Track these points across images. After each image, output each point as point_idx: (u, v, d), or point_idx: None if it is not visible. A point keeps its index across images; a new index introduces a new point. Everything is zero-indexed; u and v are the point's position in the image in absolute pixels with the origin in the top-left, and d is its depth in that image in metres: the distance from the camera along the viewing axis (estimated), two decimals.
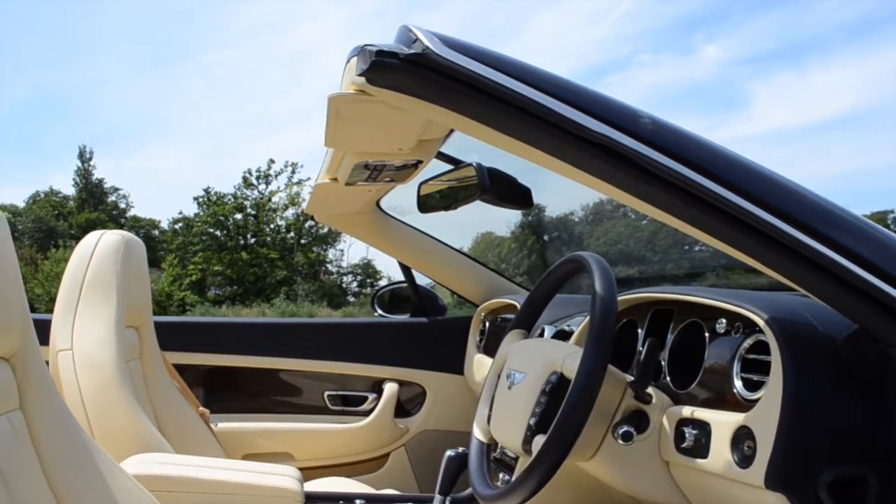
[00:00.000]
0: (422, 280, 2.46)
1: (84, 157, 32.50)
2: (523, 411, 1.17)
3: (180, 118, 46.52)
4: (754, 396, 1.01)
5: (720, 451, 1.02)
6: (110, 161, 47.17)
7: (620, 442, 1.12)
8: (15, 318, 1.08)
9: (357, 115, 1.11)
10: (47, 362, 1.37)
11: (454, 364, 2.34)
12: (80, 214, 31.26)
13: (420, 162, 1.47)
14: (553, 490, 1.09)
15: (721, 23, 43.18)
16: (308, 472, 1.60)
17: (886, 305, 0.80)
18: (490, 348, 2.20)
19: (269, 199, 28.66)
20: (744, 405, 1.02)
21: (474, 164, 1.51)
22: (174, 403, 1.88)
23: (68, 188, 34.08)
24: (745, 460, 0.97)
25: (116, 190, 33.58)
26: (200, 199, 28.60)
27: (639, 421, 1.15)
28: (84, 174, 32.43)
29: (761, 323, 0.99)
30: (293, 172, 28.45)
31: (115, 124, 45.53)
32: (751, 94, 43.98)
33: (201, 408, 1.99)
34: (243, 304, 26.11)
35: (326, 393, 2.31)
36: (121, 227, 28.96)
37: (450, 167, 1.73)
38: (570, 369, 1.12)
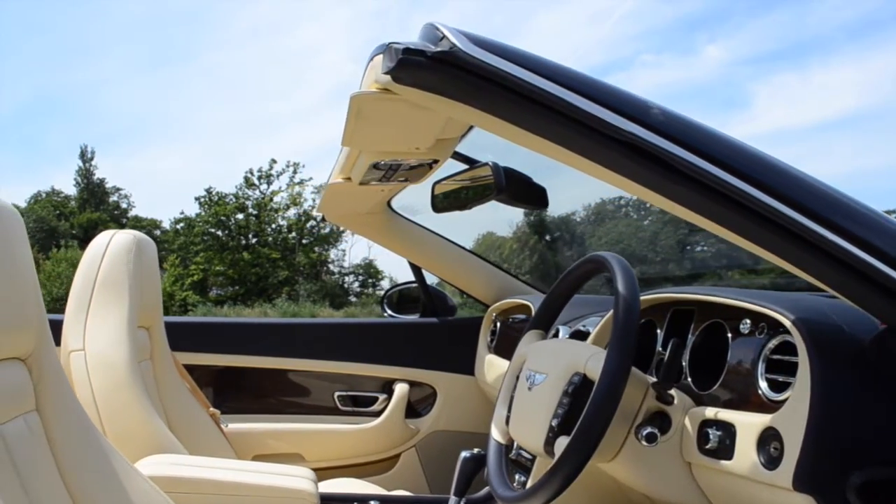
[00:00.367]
0: (428, 280, 2.46)
1: (85, 156, 32.57)
2: (545, 412, 1.16)
3: (182, 118, 46.57)
4: (780, 397, 1.00)
5: (746, 452, 1.01)
6: (112, 161, 47.34)
7: (644, 443, 1.11)
8: (31, 318, 1.07)
9: (378, 114, 1.10)
10: None
11: (464, 364, 2.33)
12: (82, 214, 31.30)
13: (436, 161, 1.46)
14: (569, 491, 1.09)
15: (723, 23, 43.19)
16: (318, 473, 1.60)
17: None
18: (501, 349, 2.19)
19: (271, 199, 28.71)
20: (769, 406, 1.01)
21: (490, 163, 1.50)
22: (185, 404, 1.87)
23: (70, 188, 34.13)
24: (771, 462, 0.97)
25: (118, 190, 33.64)
26: (202, 199, 28.68)
27: (660, 422, 1.14)
28: (85, 174, 32.46)
29: (788, 324, 0.98)
30: (295, 172, 28.54)
31: (117, 124, 45.60)
32: (752, 95, 44.01)
33: (212, 408, 1.98)
34: (245, 305, 26.12)
35: (336, 393, 2.30)
36: (122, 227, 28.95)
37: (463, 166, 1.73)
38: (594, 370, 1.11)
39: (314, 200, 28.88)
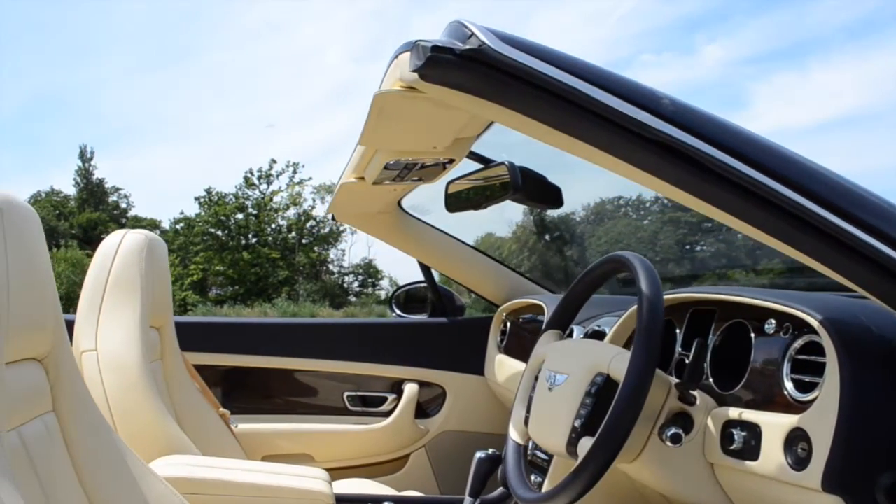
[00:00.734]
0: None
1: (85, 156, 32.47)
2: (567, 413, 1.15)
3: (182, 118, 46.44)
4: (807, 398, 0.99)
5: (772, 453, 1.00)
6: (111, 161, 47.12)
7: (669, 444, 1.10)
8: (48, 318, 1.06)
9: (400, 113, 1.09)
10: None
11: (474, 364, 2.32)
12: (81, 214, 31.24)
13: (451, 161, 1.45)
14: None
15: (723, 23, 43.20)
16: (328, 474, 1.59)
17: None
18: (511, 348, 2.19)
19: (271, 199, 28.70)
20: (796, 407, 1.00)
21: (506, 162, 1.49)
22: (195, 404, 1.86)
23: (69, 188, 34.00)
24: (799, 462, 0.96)
25: (117, 190, 33.53)
26: (202, 199, 28.67)
27: (683, 423, 1.13)
28: (85, 174, 32.39)
29: (815, 324, 0.98)
30: (294, 172, 28.52)
31: (117, 124, 45.51)
32: (752, 94, 43.99)
33: (221, 409, 1.97)
34: (245, 304, 26.12)
35: (346, 394, 2.30)
36: (122, 227, 28.94)
37: (476, 166, 1.72)
38: (618, 370, 1.11)
39: (314, 200, 28.93)
